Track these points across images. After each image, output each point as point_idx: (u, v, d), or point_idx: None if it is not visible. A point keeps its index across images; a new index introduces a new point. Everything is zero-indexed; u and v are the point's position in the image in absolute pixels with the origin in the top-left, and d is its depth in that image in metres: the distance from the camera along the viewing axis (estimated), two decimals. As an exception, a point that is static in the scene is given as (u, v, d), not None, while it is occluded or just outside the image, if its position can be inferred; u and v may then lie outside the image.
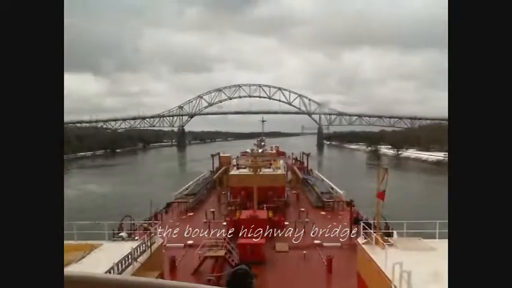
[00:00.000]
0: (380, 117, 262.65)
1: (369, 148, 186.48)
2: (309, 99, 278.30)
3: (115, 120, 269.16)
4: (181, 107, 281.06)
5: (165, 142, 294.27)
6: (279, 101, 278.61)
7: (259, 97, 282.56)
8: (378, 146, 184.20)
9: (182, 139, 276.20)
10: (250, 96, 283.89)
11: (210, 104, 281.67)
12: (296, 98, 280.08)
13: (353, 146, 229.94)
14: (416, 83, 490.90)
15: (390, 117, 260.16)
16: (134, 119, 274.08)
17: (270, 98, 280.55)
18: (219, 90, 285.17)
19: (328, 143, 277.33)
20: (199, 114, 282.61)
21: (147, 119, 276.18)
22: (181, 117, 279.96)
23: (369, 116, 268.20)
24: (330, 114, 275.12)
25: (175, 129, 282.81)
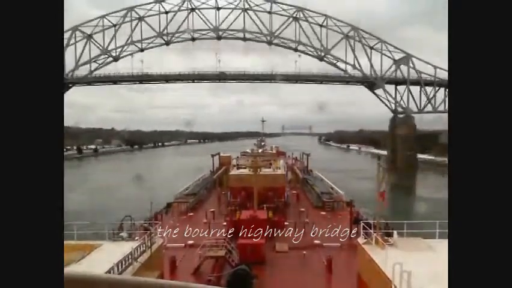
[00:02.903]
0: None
1: None
2: (383, 42, 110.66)
3: None
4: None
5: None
6: (299, 51, 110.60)
7: (244, 39, 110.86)
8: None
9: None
10: (219, 38, 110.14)
11: (113, 57, 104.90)
12: (341, 40, 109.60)
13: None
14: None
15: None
16: None
17: (270, 42, 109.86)
18: (134, 14, 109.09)
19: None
20: (82, 80, 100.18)
21: None
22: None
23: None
24: (433, 84, 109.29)
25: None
